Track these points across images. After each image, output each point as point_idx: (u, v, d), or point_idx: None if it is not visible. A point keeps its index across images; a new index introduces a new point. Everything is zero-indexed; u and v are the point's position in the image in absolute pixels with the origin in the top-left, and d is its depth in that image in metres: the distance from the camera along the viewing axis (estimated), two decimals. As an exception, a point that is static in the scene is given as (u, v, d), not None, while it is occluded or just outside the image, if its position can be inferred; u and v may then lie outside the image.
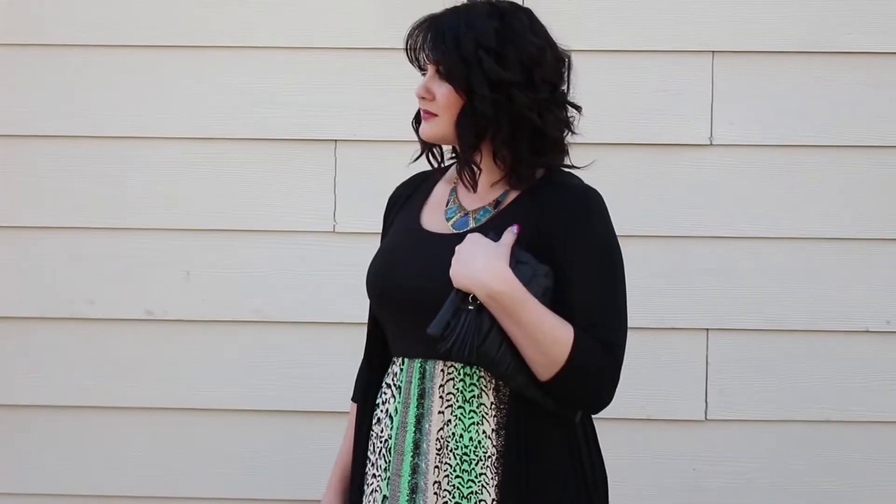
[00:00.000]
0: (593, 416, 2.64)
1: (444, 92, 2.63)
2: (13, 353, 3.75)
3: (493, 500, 2.56)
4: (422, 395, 2.61)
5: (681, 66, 3.66)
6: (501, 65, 2.60)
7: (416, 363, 2.62)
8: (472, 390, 2.59)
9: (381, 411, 2.69)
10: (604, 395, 2.58)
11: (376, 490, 2.65)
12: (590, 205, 2.64)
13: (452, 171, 2.78)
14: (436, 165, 2.80)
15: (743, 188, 3.67)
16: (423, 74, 2.70)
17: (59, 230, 3.74)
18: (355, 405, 2.83)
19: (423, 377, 2.62)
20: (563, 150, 2.70)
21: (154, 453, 3.75)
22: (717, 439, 3.69)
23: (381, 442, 2.67)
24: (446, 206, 2.72)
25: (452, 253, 2.55)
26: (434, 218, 2.72)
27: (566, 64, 2.70)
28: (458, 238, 2.61)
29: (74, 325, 3.75)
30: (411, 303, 2.61)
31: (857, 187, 3.67)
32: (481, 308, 2.51)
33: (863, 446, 3.69)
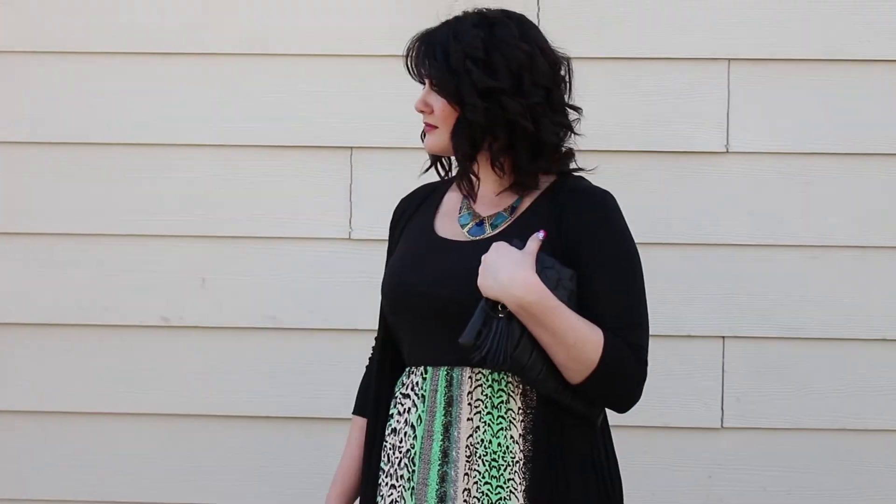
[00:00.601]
0: (621, 414, 2.66)
1: (439, 105, 2.67)
2: (28, 358, 3.76)
3: None
4: (449, 403, 2.61)
5: (697, 74, 3.66)
6: (490, 73, 2.62)
7: (442, 371, 2.62)
8: (500, 396, 2.60)
9: (399, 421, 2.68)
10: (634, 394, 2.61)
11: (398, 500, 2.64)
12: (608, 207, 2.66)
13: None
14: (444, 176, 2.82)
15: (759, 195, 3.66)
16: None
17: (75, 237, 3.74)
18: (360, 418, 2.85)
19: (450, 385, 2.62)
20: (564, 154, 2.72)
21: (169, 460, 3.75)
22: (733, 447, 3.69)
23: (399, 452, 2.66)
24: (459, 213, 2.73)
25: (473, 259, 2.56)
26: (448, 226, 2.73)
27: (563, 67, 2.72)
28: (477, 244, 2.63)
29: (89, 331, 3.76)
30: (434, 311, 2.61)
31: (873, 195, 3.66)
32: (511, 316, 2.52)
33: (879, 455, 3.68)
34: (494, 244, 2.55)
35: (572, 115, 2.72)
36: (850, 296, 3.66)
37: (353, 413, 2.89)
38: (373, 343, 2.87)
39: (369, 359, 2.90)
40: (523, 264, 2.52)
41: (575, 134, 2.72)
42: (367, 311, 3.52)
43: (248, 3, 3.72)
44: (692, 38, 3.66)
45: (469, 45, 2.63)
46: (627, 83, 3.66)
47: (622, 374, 2.58)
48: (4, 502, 3.78)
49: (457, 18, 2.71)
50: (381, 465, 2.70)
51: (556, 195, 2.68)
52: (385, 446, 2.70)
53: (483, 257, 2.54)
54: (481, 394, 2.60)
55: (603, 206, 2.66)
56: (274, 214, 3.71)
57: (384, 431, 2.72)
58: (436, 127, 2.69)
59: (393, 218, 2.87)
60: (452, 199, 2.78)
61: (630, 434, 3.54)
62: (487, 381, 2.61)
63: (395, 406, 2.71)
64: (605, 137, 3.61)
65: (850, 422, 3.68)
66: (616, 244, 2.63)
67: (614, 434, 2.73)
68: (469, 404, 2.60)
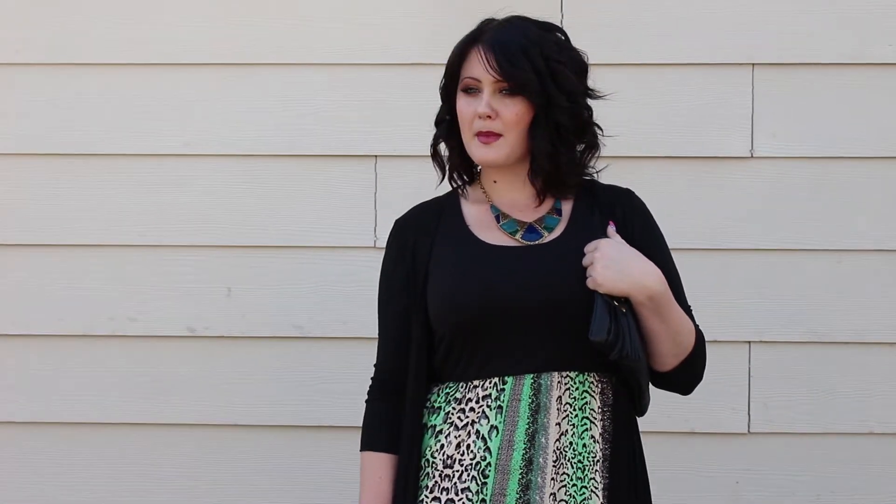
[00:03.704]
0: (644, 415, 2.76)
1: (515, 109, 2.63)
2: (54, 370, 3.76)
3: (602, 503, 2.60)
4: (536, 411, 2.60)
5: (721, 79, 3.66)
6: (574, 74, 2.66)
7: (528, 379, 2.61)
8: (584, 397, 2.62)
9: (458, 436, 2.64)
10: (703, 374, 2.71)
11: None
12: (642, 201, 2.76)
13: (476, 193, 2.78)
14: (460, 187, 2.80)
15: (784, 200, 3.66)
16: (466, 94, 2.68)
17: (101, 248, 3.75)
18: (382, 455, 2.73)
19: (537, 392, 2.60)
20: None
21: (196, 469, 3.76)
22: (760, 452, 3.68)
23: (461, 465, 2.62)
24: (499, 222, 2.71)
25: (557, 261, 2.60)
26: (493, 235, 2.70)
27: None
28: (548, 247, 2.65)
29: (116, 342, 3.76)
30: (529, 317, 2.59)
31: (898, 199, 3.66)
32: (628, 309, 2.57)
33: (908, 459, 3.68)
34: (603, 241, 2.58)
35: None
36: (877, 300, 3.66)
37: (373, 450, 2.75)
38: (374, 374, 2.82)
39: (375, 391, 2.81)
40: (642, 256, 2.58)
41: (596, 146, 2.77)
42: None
43: (274, 13, 3.72)
44: (716, 44, 3.66)
45: (547, 47, 2.63)
46: (651, 89, 3.66)
47: (704, 356, 2.68)
48: (31, 513, 3.80)
49: (512, 23, 2.68)
50: (425, 482, 2.66)
51: (594, 195, 2.71)
52: (432, 463, 2.66)
53: (597, 254, 2.56)
54: (569, 396, 2.61)
55: (642, 203, 2.75)
56: (299, 224, 3.72)
57: (420, 451, 2.68)
58: (499, 135, 2.64)
59: (401, 241, 2.81)
60: (477, 212, 2.76)
61: (657, 440, 3.53)
62: (574, 383, 2.62)
63: (444, 421, 2.67)
64: (630, 144, 3.60)
65: (878, 426, 3.67)
66: (662, 236, 2.73)
67: (642, 440, 2.75)
68: (558, 409, 2.60)
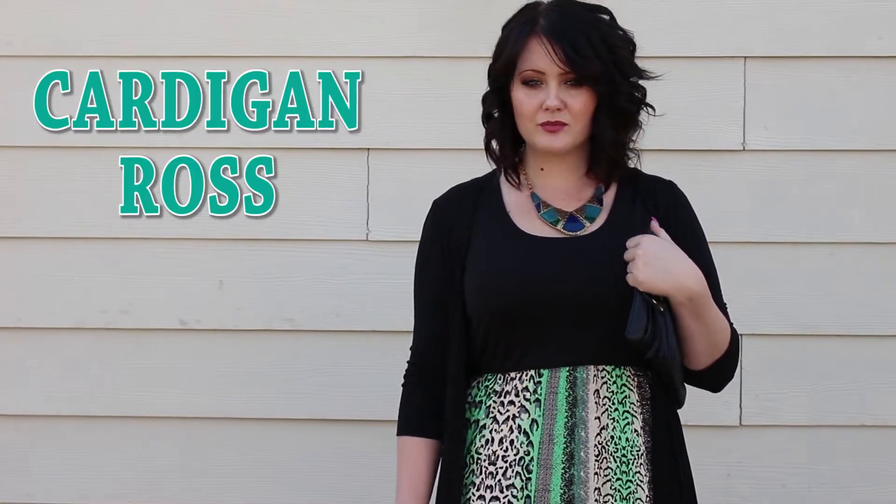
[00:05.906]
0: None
1: (582, 100, 2.60)
2: (46, 363, 3.76)
3: (648, 496, 2.59)
4: (573, 404, 2.58)
5: (713, 72, 3.65)
6: (631, 56, 2.66)
7: (563, 372, 2.58)
8: (623, 391, 2.60)
9: (500, 430, 2.61)
10: (735, 372, 2.71)
11: None
12: (684, 194, 2.74)
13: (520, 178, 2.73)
14: (516, 182, 2.72)
15: (776, 193, 3.66)
16: (526, 87, 2.62)
17: (92, 240, 3.74)
18: (420, 440, 2.70)
19: (573, 385, 2.58)
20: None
21: (187, 462, 3.75)
22: (751, 445, 3.68)
23: (505, 462, 2.59)
24: (538, 211, 2.67)
25: (600, 253, 2.57)
26: (533, 224, 2.66)
27: None
28: (592, 238, 2.62)
29: (108, 334, 3.75)
30: (567, 309, 2.57)
31: (889, 191, 3.65)
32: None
33: (898, 451, 3.69)
34: (647, 237, 2.55)
35: None
36: (868, 292, 3.66)
37: (409, 434, 2.71)
38: (411, 358, 2.77)
39: (411, 375, 2.76)
40: (685, 256, 2.56)
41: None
42: (384, 313, 3.54)
43: (265, 9, 3.72)
44: (708, 37, 3.66)
45: (606, 34, 2.62)
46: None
47: (737, 355, 2.68)
48: (23, 506, 3.80)
49: (564, 8, 2.64)
50: (471, 479, 2.63)
51: (634, 184, 2.69)
52: (477, 459, 2.63)
53: (639, 251, 2.52)
54: (607, 390, 2.59)
55: (685, 196, 2.73)
56: (291, 216, 3.71)
57: (464, 447, 2.65)
58: (566, 124, 2.61)
59: (438, 222, 2.73)
60: (517, 197, 2.71)
61: (649, 433, 3.55)
62: (611, 376, 2.60)
63: (486, 415, 2.64)
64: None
65: (869, 418, 3.67)
66: (702, 231, 2.72)
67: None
68: (596, 402, 2.58)
